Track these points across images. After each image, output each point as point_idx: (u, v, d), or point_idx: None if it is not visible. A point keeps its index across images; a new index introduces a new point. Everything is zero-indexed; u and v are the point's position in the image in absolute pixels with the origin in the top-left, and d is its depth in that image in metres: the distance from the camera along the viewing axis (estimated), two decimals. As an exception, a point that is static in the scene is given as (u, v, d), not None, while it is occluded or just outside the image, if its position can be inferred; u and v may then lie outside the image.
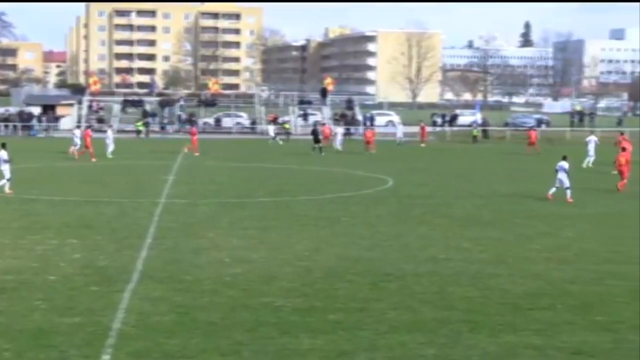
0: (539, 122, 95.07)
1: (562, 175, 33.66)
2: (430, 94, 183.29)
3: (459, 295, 18.34)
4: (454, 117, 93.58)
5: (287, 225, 27.20)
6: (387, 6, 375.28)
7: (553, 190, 33.97)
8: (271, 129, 69.73)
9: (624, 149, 40.86)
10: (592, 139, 52.82)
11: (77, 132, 54.81)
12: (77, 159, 50.76)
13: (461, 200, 34.41)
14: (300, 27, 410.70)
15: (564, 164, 33.74)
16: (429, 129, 76.50)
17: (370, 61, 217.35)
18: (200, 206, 31.52)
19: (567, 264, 21.72)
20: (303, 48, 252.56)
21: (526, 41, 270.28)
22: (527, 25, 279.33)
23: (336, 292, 18.48)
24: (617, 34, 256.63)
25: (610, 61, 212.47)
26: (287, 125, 75.23)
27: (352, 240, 24.66)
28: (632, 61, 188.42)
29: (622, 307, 17.55)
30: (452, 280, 19.63)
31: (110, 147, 52.31)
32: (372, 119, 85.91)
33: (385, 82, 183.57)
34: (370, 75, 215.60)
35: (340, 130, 65.05)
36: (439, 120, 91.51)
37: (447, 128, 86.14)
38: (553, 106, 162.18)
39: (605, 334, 15.62)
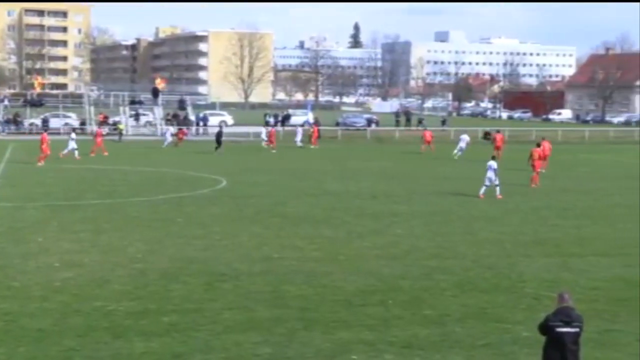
0: (369, 122, 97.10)
1: (490, 174, 34.98)
2: (262, 94, 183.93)
3: (293, 293, 18.55)
4: (286, 117, 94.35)
5: (119, 228, 26.75)
6: (218, 6, 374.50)
7: (483, 189, 35.10)
8: (169, 132, 67.92)
9: (538, 145, 43.10)
10: (464, 137, 58.60)
11: (73, 135, 53.80)
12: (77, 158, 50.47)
13: (294, 199, 34.77)
14: (130, 26, 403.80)
15: (493, 164, 35.21)
16: (263, 129, 76.66)
17: (202, 61, 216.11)
18: (28, 210, 30.54)
19: (397, 260, 22.33)
20: (133, 47, 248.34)
21: (356, 42, 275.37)
22: (357, 27, 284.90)
23: (170, 293, 18.34)
24: (442, 37, 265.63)
25: (435, 62, 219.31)
26: (120, 126, 73.90)
27: (186, 241, 24.51)
28: (456, 63, 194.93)
29: (450, 300, 18.21)
30: (286, 279, 19.82)
31: None
32: (204, 119, 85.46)
33: (218, 82, 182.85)
34: (202, 75, 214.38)
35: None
36: (271, 120, 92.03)
37: (279, 128, 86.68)
38: (382, 106, 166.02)
39: (433, 327, 16.16)
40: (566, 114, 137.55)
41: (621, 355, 14.73)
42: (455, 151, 56.88)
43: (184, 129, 72.25)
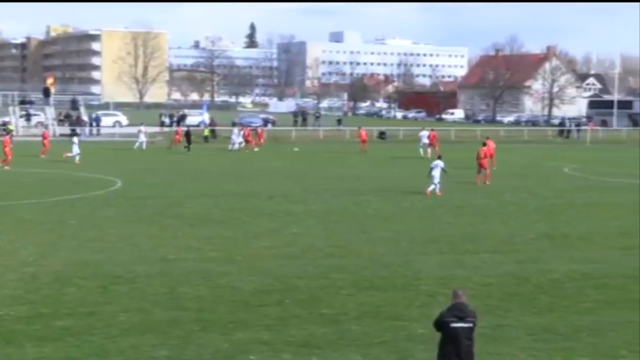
0: (266, 122, 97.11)
1: (435, 172, 36.28)
2: (157, 94, 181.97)
3: (190, 294, 18.43)
4: (182, 117, 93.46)
5: (9, 231, 26.08)
6: (111, 5, 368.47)
7: (432, 187, 36.25)
8: (142, 134, 65.40)
9: (484, 144, 44.45)
10: (425, 134, 60.85)
11: (76, 139, 52.58)
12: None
13: (191, 200, 34.51)
14: (19, 24, 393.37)
15: (440, 162, 36.71)
16: (156, 129, 75.77)
17: (95, 60, 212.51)
18: None
19: (294, 260, 22.41)
20: (23, 46, 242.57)
21: (251, 42, 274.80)
22: (252, 27, 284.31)
23: (64, 297, 17.98)
24: (337, 37, 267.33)
25: (330, 62, 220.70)
26: (10, 127, 71.98)
27: (80, 244, 24.07)
28: (351, 63, 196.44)
29: (346, 299, 18.36)
30: (183, 280, 19.68)
31: None
32: (97, 119, 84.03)
33: (111, 82, 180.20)
34: (96, 74, 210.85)
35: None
36: (166, 120, 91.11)
37: (175, 128, 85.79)
38: (278, 106, 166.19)
39: (330, 326, 16.28)
40: (459, 113, 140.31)
41: (512, 349, 15.11)
42: (420, 149, 58.58)
43: (180, 128, 69.62)
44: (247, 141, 64.20)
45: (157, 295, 18.29)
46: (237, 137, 64.09)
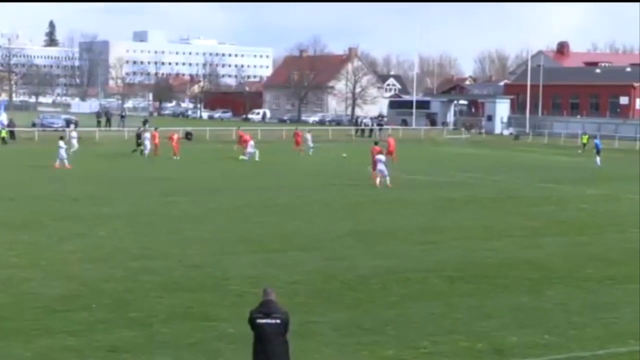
0: (68, 123, 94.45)
1: (381, 166, 40.09)
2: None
3: (-10, 303, 17.72)
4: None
5: None
6: None
7: (385, 179, 40.03)
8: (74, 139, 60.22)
9: (376, 143, 47.18)
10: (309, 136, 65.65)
11: (62, 144, 49.00)
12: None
13: (-11, 204, 33.11)
14: None
15: (382, 157, 40.63)
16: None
17: None
18: None
19: (101, 263, 21.96)
20: None
21: (51, 40, 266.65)
22: (52, 25, 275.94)
23: None
24: (140, 36, 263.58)
25: (134, 62, 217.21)
26: None
27: None
28: (155, 63, 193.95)
29: (155, 301, 18.19)
30: (-17, 288, 18.89)
31: None
32: None
33: None
34: None
35: None
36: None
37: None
38: (81, 106, 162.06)
39: (139, 329, 16.07)
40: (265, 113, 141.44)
41: (319, 345, 15.41)
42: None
43: (154, 131, 61.70)
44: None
45: (-46, 305, 17.46)
46: (148, 142, 58.57)
